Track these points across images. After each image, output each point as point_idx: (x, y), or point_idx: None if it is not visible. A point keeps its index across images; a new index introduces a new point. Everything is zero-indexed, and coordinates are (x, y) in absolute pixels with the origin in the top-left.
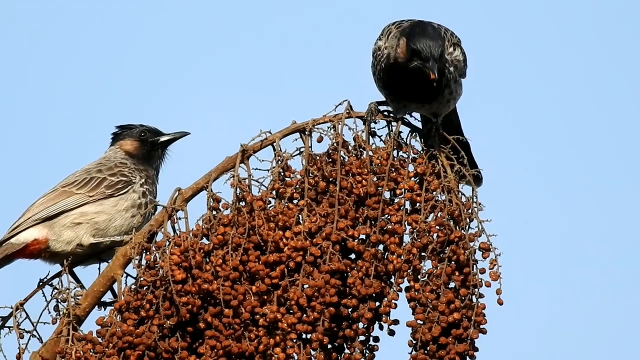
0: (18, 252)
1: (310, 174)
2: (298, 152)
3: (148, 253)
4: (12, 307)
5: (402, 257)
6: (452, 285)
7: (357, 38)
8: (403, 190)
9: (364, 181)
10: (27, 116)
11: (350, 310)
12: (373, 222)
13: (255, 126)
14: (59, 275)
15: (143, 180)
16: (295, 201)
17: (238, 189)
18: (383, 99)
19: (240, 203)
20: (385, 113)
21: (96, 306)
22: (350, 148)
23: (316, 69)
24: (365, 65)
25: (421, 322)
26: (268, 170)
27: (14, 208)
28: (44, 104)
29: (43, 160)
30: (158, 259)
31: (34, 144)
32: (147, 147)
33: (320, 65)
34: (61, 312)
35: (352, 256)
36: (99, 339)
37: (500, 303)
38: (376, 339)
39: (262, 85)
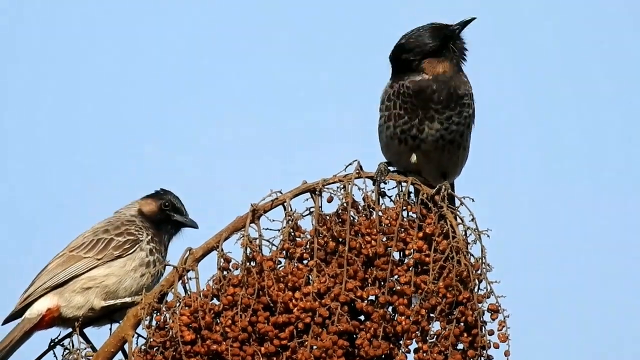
0: (35, 326)
1: (320, 234)
2: (308, 212)
3: (158, 314)
4: None
5: (410, 318)
6: (460, 346)
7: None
8: (412, 250)
9: (373, 241)
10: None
11: None
12: (382, 283)
13: (266, 185)
14: (69, 335)
15: (149, 237)
16: (304, 261)
17: (248, 249)
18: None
19: (250, 263)
20: (395, 173)
21: None
22: (359, 208)
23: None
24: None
25: None
26: (278, 230)
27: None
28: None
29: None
30: (168, 320)
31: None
32: (161, 217)
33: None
34: None
35: (361, 317)
36: None
37: None
38: None
39: (272, 144)
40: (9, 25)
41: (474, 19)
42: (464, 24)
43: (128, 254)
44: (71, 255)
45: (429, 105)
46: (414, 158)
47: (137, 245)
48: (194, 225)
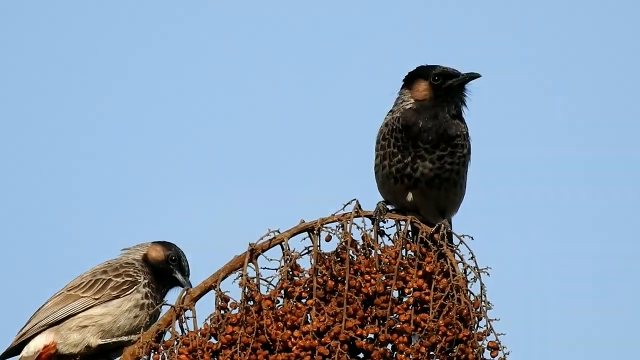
0: None
1: (319, 273)
2: (306, 251)
3: (156, 352)
4: None
5: (410, 356)
6: None
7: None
8: (411, 289)
9: (372, 280)
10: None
11: None
12: (382, 321)
13: (263, 225)
14: None
15: (147, 281)
16: (303, 300)
17: (246, 288)
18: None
19: (249, 302)
20: (394, 212)
21: None
22: (358, 247)
23: (324, 168)
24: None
25: None
26: (276, 269)
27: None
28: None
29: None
30: (166, 359)
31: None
32: (163, 268)
33: (328, 164)
34: None
35: (361, 355)
36: None
37: None
38: None
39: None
40: None
41: (479, 76)
42: (469, 78)
43: (125, 295)
44: (69, 294)
45: (418, 144)
46: (410, 197)
47: (135, 287)
48: (189, 287)
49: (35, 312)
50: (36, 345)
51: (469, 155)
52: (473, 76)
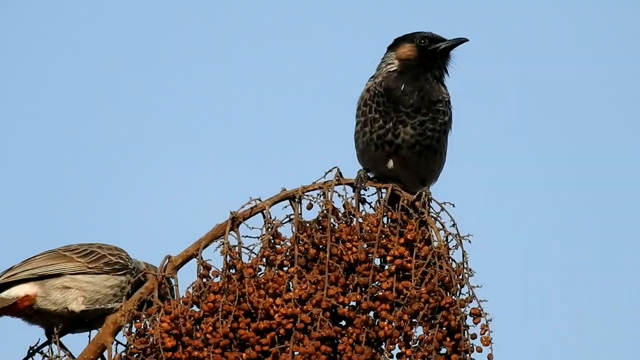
0: (8, 307)
1: (301, 241)
2: (288, 219)
3: (138, 321)
4: None
5: (393, 324)
6: (443, 351)
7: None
8: (393, 257)
9: (354, 248)
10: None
11: None
12: (363, 289)
13: (245, 193)
14: (48, 343)
15: (134, 272)
16: (285, 268)
17: (228, 257)
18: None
19: (231, 270)
20: (375, 180)
21: None
22: (340, 215)
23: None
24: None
25: None
26: (258, 237)
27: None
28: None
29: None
30: (148, 327)
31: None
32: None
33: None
34: None
35: (343, 323)
36: None
37: None
38: None
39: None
40: None
41: (466, 40)
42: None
43: (115, 274)
44: (63, 254)
45: (399, 108)
46: (390, 164)
47: (125, 271)
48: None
49: (24, 259)
50: (17, 292)
51: (450, 124)
52: (460, 41)
